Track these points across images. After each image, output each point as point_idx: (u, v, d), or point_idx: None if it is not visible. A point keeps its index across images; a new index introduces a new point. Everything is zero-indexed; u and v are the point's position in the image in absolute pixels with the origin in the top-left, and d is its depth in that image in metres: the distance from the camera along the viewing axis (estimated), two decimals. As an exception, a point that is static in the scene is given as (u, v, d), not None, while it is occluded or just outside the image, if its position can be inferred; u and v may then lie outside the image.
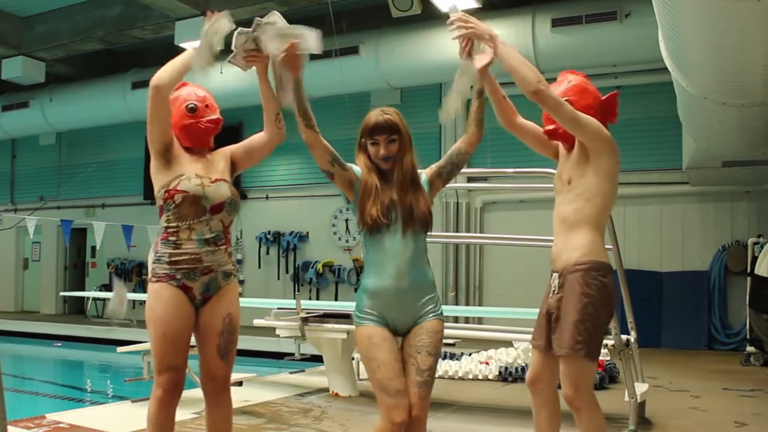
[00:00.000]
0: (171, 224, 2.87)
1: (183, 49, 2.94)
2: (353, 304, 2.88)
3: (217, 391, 2.93)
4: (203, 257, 2.85)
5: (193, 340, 2.94)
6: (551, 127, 2.95)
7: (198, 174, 2.89)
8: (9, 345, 12.90)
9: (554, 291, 2.87)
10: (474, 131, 2.90)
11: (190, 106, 2.95)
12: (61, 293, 15.22)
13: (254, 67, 2.96)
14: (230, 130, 3.02)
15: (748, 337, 8.56)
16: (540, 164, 4.68)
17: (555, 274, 2.89)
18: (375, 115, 2.81)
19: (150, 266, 2.93)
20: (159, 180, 2.90)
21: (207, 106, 3.01)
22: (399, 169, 2.81)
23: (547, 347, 2.91)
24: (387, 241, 2.75)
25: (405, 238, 2.76)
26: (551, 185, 3.14)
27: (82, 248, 16.69)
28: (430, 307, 2.79)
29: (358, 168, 2.85)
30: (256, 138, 3.08)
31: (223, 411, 2.95)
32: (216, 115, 3.02)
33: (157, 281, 2.84)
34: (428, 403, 2.76)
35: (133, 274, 15.32)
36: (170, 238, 2.86)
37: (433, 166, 2.93)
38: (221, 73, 11.35)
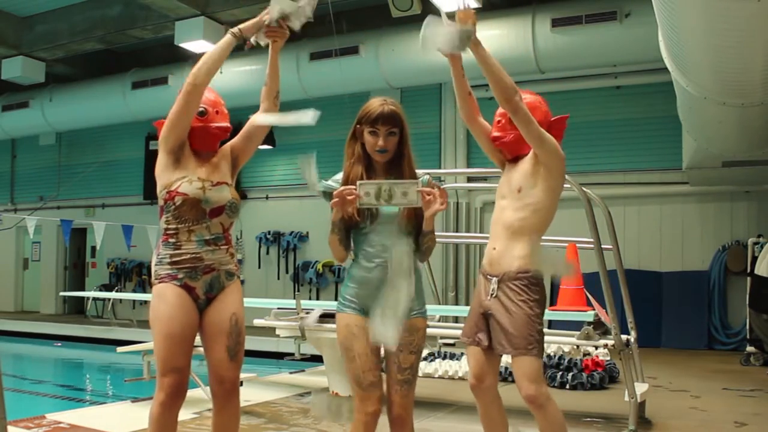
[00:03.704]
0: (170, 225, 2.86)
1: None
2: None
3: (227, 393, 2.88)
4: (204, 256, 2.84)
5: (197, 341, 2.92)
6: (498, 133, 3.09)
7: (200, 177, 2.88)
8: (9, 345, 12.90)
9: (492, 294, 2.96)
10: (425, 251, 2.83)
11: (200, 109, 2.93)
12: (61, 293, 15.22)
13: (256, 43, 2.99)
14: (233, 131, 3.02)
15: (748, 337, 8.56)
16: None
17: (494, 278, 2.97)
18: (378, 104, 2.76)
19: (153, 269, 2.92)
20: (163, 179, 2.88)
21: (217, 112, 2.99)
22: (400, 165, 2.79)
23: (489, 345, 3.00)
24: (373, 234, 2.74)
25: (394, 233, 2.74)
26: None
27: (82, 248, 16.69)
28: (413, 303, 2.76)
29: (333, 180, 2.80)
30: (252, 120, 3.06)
31: (231, 414, 2.91)
32: (226, 123, 3.00)
33: (160, 282, 2.84)
34: (410, 401, 2.74)
35: (133, 274, 15.34)
36: (170, 240, 2.85)
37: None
38: (221, 72, 11.40)
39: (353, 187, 2.67)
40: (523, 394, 2.87)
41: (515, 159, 3.09)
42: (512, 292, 2.91)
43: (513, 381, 3.06)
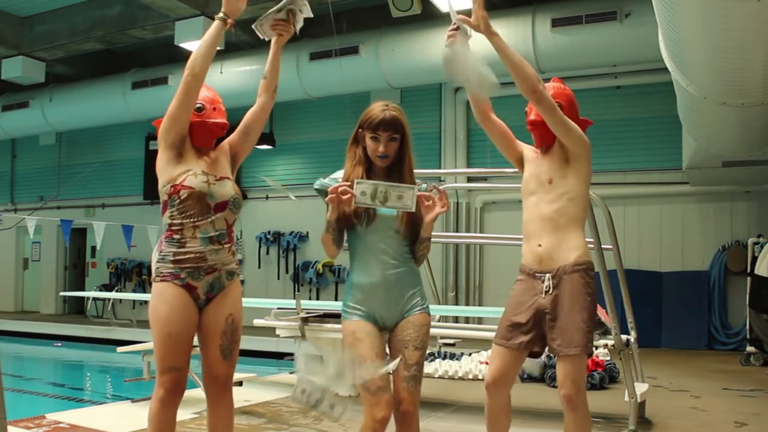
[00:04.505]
0: (175, 221, 2.85)
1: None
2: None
3: (219, 391, 2.92)
4: (207, 256, 2.84)
5: (195, 340, 2.93)
6: (535, 118, 3.00)
7: (204, 171, 2.89)
8: (9, 345, 12.90)
9: (547, 291, 2.88)
10: (419, 258, 2.87)
11: (198, 105, 2.93)
12: (61, 293, 15.23)
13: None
14: (230, 130, 3.03)
15: (748, 337, 8.56)
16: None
17: (546, 275, 2.89)
18: (380, 110, 2.76)
19: (153, 265, 2.92)
20: (165, 174, 2.87)
21: (215, 108, 2.99)
22: (408, 171, 2.79)
23: (524, 347, 2.93)
24: (371, 236, 2.75)
25: (392, 234, 2.76)
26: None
27: (82, 248, 16.69)
28: (416, 300, 2.79)
29: (331, 179, 2.79)
30: (249, 114, 3.07)
31: (224, 411, 2.94)
32: (222, 120, 3.00)
33: (161, 280, 2.83)
34: (418, 397, 2.75)
35: (133, 274, 15.35)
36: (174, 236, 2.85)
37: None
38: (221, 73, 11.40)
39: (349, 184, 2.69)
40: (562, 393, 2.83)
41: (542, 151, 3.04)
42: (571, 287, 2.84)
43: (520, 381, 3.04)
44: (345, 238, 2.83)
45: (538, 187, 2.98)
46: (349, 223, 2.74)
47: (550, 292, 2.87)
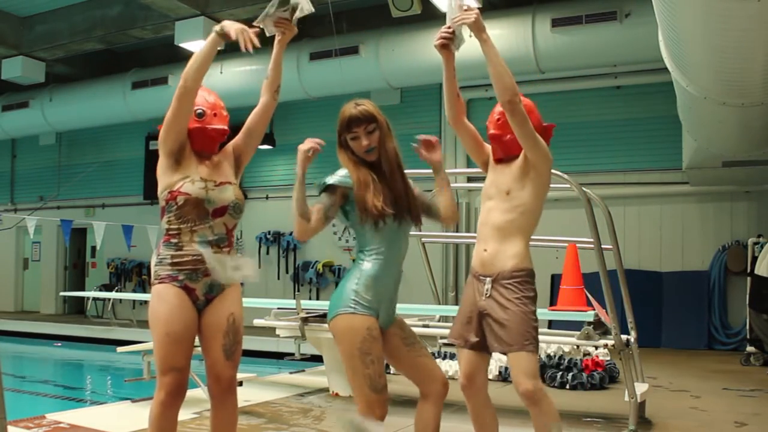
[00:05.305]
0: (172, 226, 2.86)
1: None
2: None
3: (223, 392, 2.90)
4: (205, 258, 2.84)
5: (196, 342, 2.93)
6: (496, 132, 3.10)
7: (203, 177, 2.88)
8: (9, 345, 12.90)
9: (486, 294, 2.97)
10: (449, 215, 3.01)
11: (198, 111, 2.94)
12: (61, 293, 15.21)
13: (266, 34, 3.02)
14: (231, 130, 3.03)
15: (748, 337, 8.56)
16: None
17: (487, 279, 2.99)
18: (348, 109, 2.81)
19: (153, 269, 2.92)
20: (164, 180, 2.88)
21: (215, 114, 2.99)
22: (385, 159, 2.80)
23: (480, 346, 3.02)
24: (387, 231, 2.75)
25: (400, 229, 2.79)
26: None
27: (82, 248, 16.69)
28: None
29: (341, 176, 2.79)
30: (252, 115, 3.08)
31: (228, 412, 2.93)
32: (223, 126, 2.99)
33: (159, 282, 2.84)
34: None
35: (133, 274, 15.35)
36: (172, 240, 2.85)
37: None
38: (221, 73, 11.40)
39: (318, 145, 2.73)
40: (520, 390, 2.89)
41: (503, 160, 3.12)
42: (507, 291, 2.94)
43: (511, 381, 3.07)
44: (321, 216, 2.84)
45: (496, 195, 3.09)
46: (381, 217, 2.72)
47: (489, 294, 2.97)
